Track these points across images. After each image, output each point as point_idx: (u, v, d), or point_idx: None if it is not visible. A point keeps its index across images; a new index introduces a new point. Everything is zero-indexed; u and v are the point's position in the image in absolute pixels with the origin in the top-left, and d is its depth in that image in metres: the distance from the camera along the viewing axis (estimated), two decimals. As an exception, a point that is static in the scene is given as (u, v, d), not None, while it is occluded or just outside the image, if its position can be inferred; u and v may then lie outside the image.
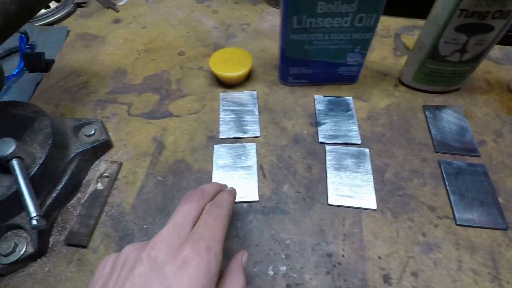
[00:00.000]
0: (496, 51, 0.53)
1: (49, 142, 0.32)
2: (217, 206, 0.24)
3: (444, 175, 0.38)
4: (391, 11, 0.58)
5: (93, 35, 0.56)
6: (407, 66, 0.46)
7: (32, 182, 0.29)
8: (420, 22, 0.59)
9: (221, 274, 0.23)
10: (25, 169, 0.28)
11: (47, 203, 0.32)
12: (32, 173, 0.30)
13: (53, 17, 0.58)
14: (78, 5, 0.62)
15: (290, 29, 0.39)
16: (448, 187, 0.37)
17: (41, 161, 0.31)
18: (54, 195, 0.33)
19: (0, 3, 0.29)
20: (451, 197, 0.37)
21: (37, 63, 0.49)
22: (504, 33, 0.39)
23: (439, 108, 0.45)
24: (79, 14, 0.61)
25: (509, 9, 0.35)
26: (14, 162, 0.28)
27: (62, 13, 0.59)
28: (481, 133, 0.43)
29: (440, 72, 0.44)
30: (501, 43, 0.46)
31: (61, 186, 0.33)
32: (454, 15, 0.37)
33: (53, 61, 0.51)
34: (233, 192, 0.28)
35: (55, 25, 0.58)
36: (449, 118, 0.44)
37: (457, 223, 0.35)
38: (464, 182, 0.38)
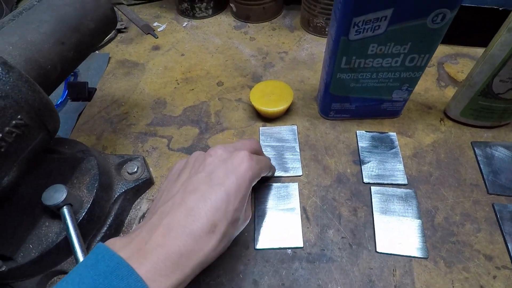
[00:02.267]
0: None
1: (96, 184, 0.33)
2: (264, 158, 0.34)
3: (500, 220, 0.36)
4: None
5: (133, 62, 0.57)
6: (455, 101, 0.44)
7: (80, 228, 0.29)
8: (463, 49, 0.57)
9: None
10: (74, 216, 0.29)
11: (92, 247, 0.32)
12: (80, 218, 0.31)
13: (94, 44, 0.60)
14: (119, 31, 0.63)
15: (337, 68, 0.38)
16: (504, 234, 0.35)
17: (88, 205, 0.31)
18: (98, 238, 0.33)
19: (59, 51, 0.29)
20: (509, 245, 0.34)
21: (81, 92, 0.50)
22: None
23: (489, 144, 0.43)
24: (119, 39, 0.62)
25: None
26: (65, 210, 0.28)
27: (104, 39, 0.60)
28: (538, 172, 0.40)
29: (492, 109, 0.42)
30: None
31: (105, 228, 0.33)
32: (513, 56, 0.35)
33: (95, 89, 0.52)
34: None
35: (97, 52, 0.60)
36: (501, 156, 0.42)
37: (517, 275, 0.33)
38: (522, 228, 0.36)
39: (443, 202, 0.38)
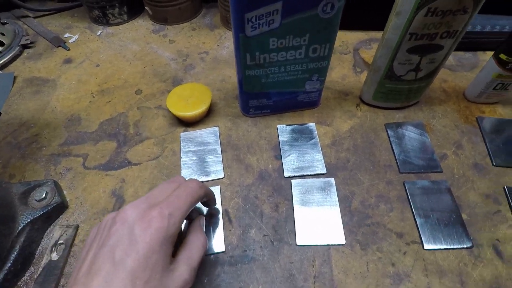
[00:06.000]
0: (450, 57, 0.54)
1: (-9, 220, 0.30)
2: (190, 186, 0.29)
3: (409, 197, 0.38)
4: (347, 26, 0.58)
5: (43, 79, 0.53)
6: (366, 86, 0.46)
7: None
8: (377, 35, 0.59)
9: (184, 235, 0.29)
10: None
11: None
12: (-28, 259, 0.28)
13: (-3, 62, 0.55)
14: (25, 47, 0.59)
15: (244, 66, 0.37)
16: (413, 210, 0.37)
17: (-18, 245, 0.29)
18: (1, 276, 0.30)
19: None
20: (417, 220, 0.36)
21: (-18, 118, 0.46)
22: (454, 49, 0.39)
23: (400, 125, 0.45)
24: (26, 56, 0.58)
25: (455, 29, 0.36)
26: None
27: (7, 58, 0.56)
28: (442, 146, 0.43)
29: (398, 90, 0.44)
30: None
31: (9, 265, 0.31)
32: (404, 39, 0.37)
33: None
34: (208, 190, 0.32)
35: (0, 72, 0.55)
36: (411, 135, 0.44)
37: (425, 247, 0.34)
38: (428, 202, 0.38)
39: (359, 187, 0.39)
